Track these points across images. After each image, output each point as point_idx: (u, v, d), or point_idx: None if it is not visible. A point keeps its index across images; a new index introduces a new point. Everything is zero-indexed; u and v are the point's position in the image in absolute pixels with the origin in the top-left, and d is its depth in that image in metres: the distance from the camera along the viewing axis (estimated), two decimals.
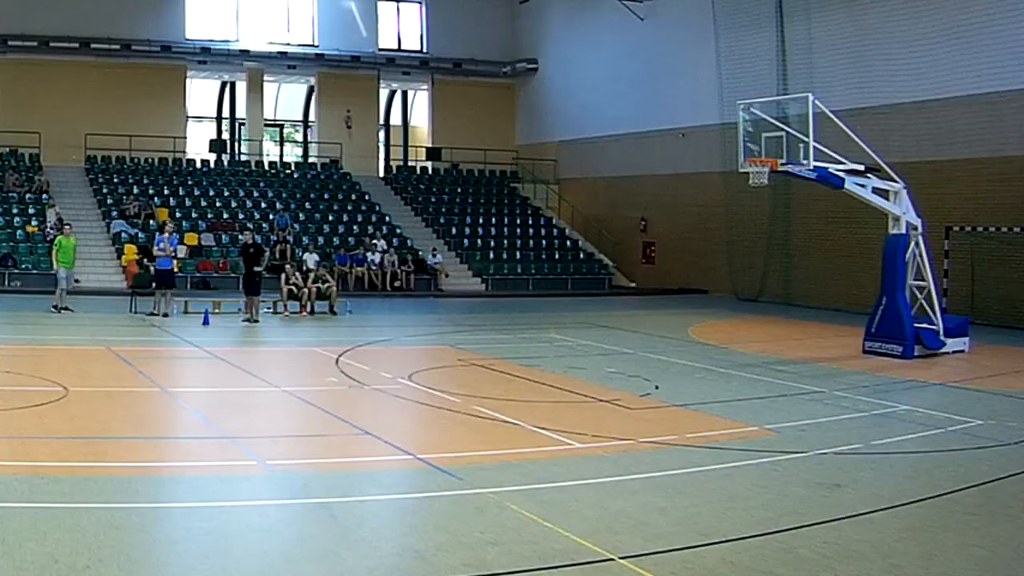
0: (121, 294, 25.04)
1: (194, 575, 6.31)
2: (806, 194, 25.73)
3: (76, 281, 23.31)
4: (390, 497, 8.42)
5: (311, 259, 27.46)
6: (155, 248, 22.34)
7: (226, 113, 39.47)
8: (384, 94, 41.07)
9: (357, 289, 29.25)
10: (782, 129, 17.44)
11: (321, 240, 31.86)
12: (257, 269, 21.65)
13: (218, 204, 33.16)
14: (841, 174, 17.22)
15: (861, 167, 17.61)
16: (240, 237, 25.93)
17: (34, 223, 29.38)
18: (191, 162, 36.12)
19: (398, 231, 33.57)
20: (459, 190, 38.29)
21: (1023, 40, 22.31)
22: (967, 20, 23.34)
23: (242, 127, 38.90)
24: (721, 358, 17.24)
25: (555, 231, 36.62)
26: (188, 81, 36.58)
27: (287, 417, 11.83)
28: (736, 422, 11.62)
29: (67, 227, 24.00)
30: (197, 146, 37.91)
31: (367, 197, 35.90)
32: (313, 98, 39.34)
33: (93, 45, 33.84)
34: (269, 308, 23.17)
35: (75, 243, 23.06)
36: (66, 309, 21.48)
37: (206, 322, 20.71)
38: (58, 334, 18.54)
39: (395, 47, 39.34)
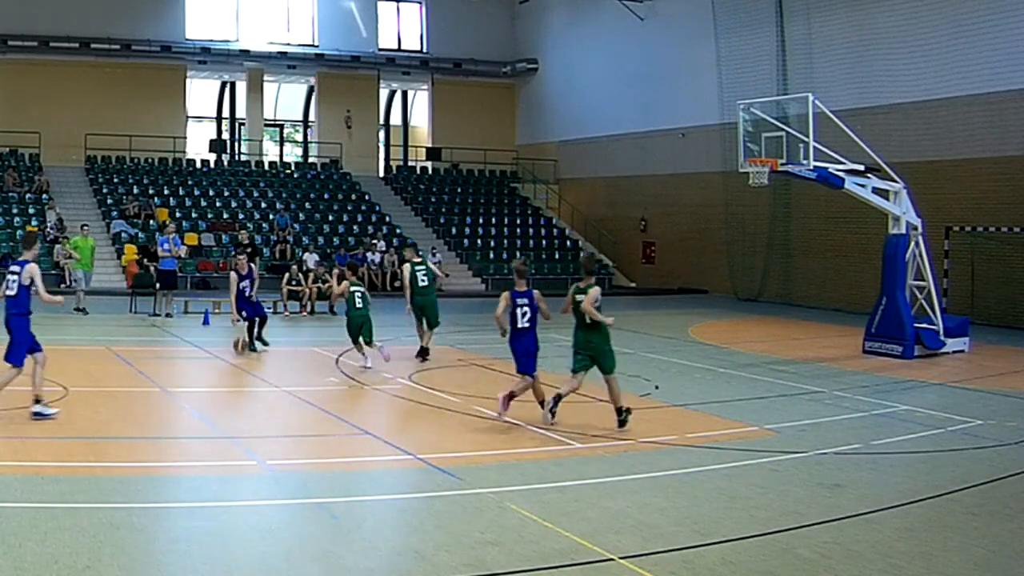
0: (121, 294, 25.02)
1: (194, 575, 6.31)
2: (806, 194, 25.72)
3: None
4: (390, 497, 8.42)
5: (311, 259, 27.45)
6: (159, 249, 22.28)
7: (226, 113, 39.49)
8: (384, 94, 41.10)
9: None
10: (782, 129, 17.44)
11: (321, 240, 31.86)
12: None
13: (218, 204, 33.16)
14: (841, 174, 17.22)
15: (861, 167, 17.61)
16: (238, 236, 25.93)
17: (34, 223, 29.37)
18: (191, 162, 36.13)
19: (398, 231, 33.57)
20: (459, 190, 38.29)
21: (1023, 40, 22.32)
22: (967, 20, 23.33)
23: (242, 127, 38.92)
24: (721, 358, 17.23)
25: (555, 231, 36.61)
26: (188, 81, 36.58)
27: (287, 417, 11.82)
28: (736, 422, 11.62)
29: (85, 227, 24.05)
30: (197, 146, 37.94)
31: (367, 197, 35.91)
32: (313, 98, 39.35)
33: (93, 45, 33.85)
34: (269, 308, 23.12)
35: (93, 244, 23.04)
36: (81, 310, 21.44)
37: (206, 322, 20.72)
38: (58, 334, 18.42)
39: (395, 47, 39.34)
